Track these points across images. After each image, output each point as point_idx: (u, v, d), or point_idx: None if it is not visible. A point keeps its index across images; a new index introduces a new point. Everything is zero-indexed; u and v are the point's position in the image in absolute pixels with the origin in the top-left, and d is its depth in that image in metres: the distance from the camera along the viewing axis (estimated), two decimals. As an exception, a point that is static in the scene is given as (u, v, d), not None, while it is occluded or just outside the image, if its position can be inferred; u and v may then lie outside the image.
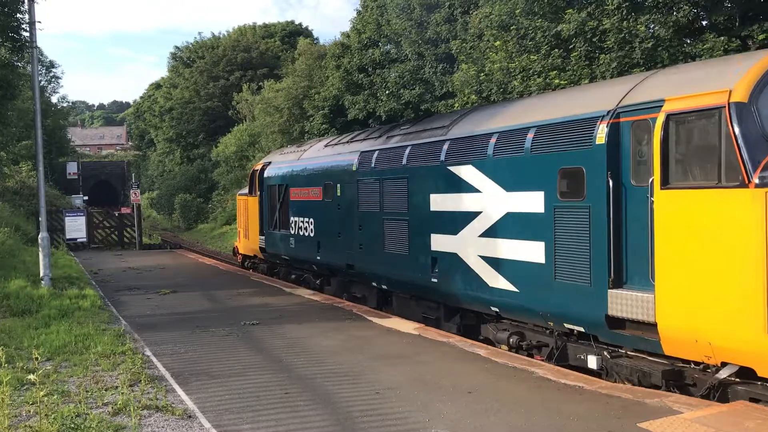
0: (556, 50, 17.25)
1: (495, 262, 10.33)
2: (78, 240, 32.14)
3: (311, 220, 17.13)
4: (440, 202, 11.75)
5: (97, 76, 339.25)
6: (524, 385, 8.09)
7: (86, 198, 53.30)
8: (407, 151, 12.91)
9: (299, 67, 40.75)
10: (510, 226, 10.01)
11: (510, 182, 10.04)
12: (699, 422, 6.24)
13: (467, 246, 10.98)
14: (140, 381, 8.45)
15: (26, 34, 17.75)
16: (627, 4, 15.63)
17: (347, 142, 16.40)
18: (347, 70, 33.05)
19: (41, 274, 16.77)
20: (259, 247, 20.93)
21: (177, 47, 75.86)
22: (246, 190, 22.99)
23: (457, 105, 22.79)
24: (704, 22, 16.22)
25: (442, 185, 11.69)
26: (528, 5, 18.11)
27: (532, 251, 9.50)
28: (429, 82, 28.50)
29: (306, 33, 63.41)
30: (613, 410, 7.01)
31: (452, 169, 11.43)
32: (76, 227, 32.20)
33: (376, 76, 31.42)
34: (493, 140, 10.49)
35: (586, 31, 16.39)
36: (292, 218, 18.39)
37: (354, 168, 14.84)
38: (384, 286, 14.00)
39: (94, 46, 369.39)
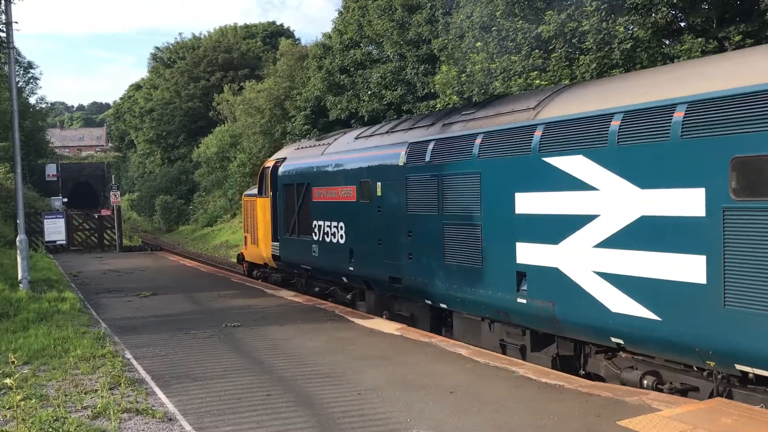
0: (537, 51, 17.38)
1: (621, 281, 7.96)
2: (57, 242, 31.82)
3: (341, 224, 14.41)
4: (531, 202, 9.31)
5: (77, 77, 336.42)
6: (506, 384, 8.13)
7: (65, 200, 52.79)
8: (479, 139, 10.36)
9: (281, 67, 40.73)
10: (646, 233, 7.66)
11: (646, 177, 7.67)
12: (677, 419, 6.31)
13: (576, 259, 8.59)
14: (120, 384, 8.39)
15: (3, 34, 17.56)
16: (606, 5, 15.79)
17: (387, 132, 13.71)
18: (329, 71, 33.04)
19: (19, 277, 16.58)
20: (272, 255, 18.19)
21: (157, 48, 75.44)
22: (254, 191, 20.36)
23: (439, 106, 22.89)
24: (682, 24, 16.42)
25: (534, 181, 9.22)
26: (508, 7, 18.22)
27: (685, 267, 7.17)
28: (411, 83, 28.57)
29: (288, 34, 63.34)
30: (593, 408, 7.06)
31: (550, 160, 8.96)
32: (55, 229, 31.88)
33: (358, 77, 31.44)
34: (615, 122, 8.15)
35: (566, 33, 16.53)
36: (315, 222, 15.56)
37: (401, 163, 12.30)
38: (442, 305, 11.49)
39: (74, 47, 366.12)
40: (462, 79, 20.04)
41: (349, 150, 14.72)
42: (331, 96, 32.97)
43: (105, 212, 34.63)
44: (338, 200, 14.63)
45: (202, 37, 65.35)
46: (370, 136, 14.35)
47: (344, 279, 14.87)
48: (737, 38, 14.45)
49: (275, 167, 18.29)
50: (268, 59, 52.36)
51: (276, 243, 17.89)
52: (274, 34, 62.02)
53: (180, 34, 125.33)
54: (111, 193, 35.29)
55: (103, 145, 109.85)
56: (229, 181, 45.78)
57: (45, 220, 31.90)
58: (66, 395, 7.99)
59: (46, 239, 31.47)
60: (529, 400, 7.46)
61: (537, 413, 6.99)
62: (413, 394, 7.82)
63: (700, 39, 14.73)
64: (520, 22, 17.98)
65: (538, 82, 16.42)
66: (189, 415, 7.28)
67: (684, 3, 15.28)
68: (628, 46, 15.22)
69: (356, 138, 14.96)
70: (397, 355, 9.82)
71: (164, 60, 67.89)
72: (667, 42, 15.96)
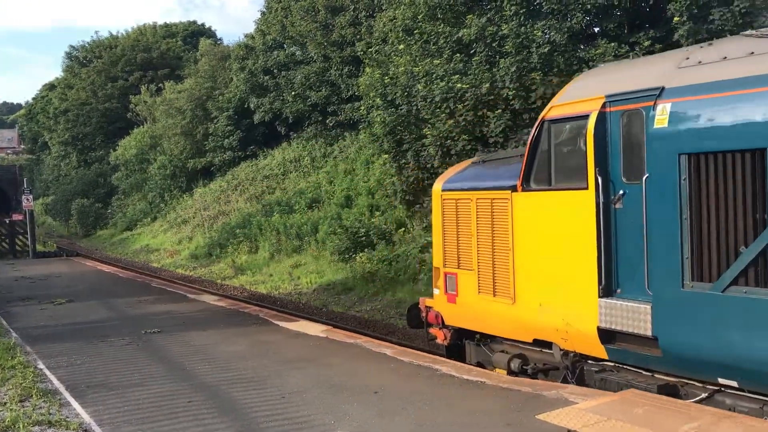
0: (458, 55, 17.65)
1: None
2: (-36, 249, 30.23)
3: None
4: None
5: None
6: (429, 383, 8.22)
7: (-27, 205, 50.16)
8: None
9: (202, 67, 40.03)
10: None
11: None
12: (592, 411, 6.52)
13: None
14: (32, 396, 8.04)
15: None
16: (524, 10, 16.21)
17: None
18: (252, 72, 32.70)
19: None
20: (600, 330, 7.49)
21: (72, 46, 72.55)
22: (476, 179, 9.66)
23: (363, 108, 22.97)
24: (596, 29, 17.05)
25: None
26: (430, 11, 18.44)
27: None
28: (335, 84, 28.56)
29: (209, 33, 62.16)
30: (513, 403, 7.23)
31: None
32: (-39, 236, 30.28)
33: (281, 78, 31.21)
34: None
35: (486, 36, 16.87)
36: None
37: None
38: None
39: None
40: (386, 81, 20.13)
41: None
42: (254, 97, 32.61)
43: (17, 217, 33.10)
44: None
45: (119, 36, 63.38)
46: None
47: None
48: (647, 43, 15.08)
49: (631, 114, 7.33)
50: (189, 59, 51.30)
51: (645, 305, 7.02)
52: (195, 34, 60.71)
53: (96, 32, 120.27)
54: (23, 197, 33.77)
55: (15, 147, 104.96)
56: (149, 184, 44.59)
57: (-50, 226, 30.26)
58: (-28, 410, 7.60)
59: (-48, 246, 29.85)
60: (452, 398, 7.56)
61: (459, 410, 7.09)
62: (338, 396, 7.80)
63: (613, 44, 15.31)
64: (442, 25, 18.23)
65: (459, 85, 16.66)
66: (105, 425, 7.04)
67: (597, 9, 15.86)
68: (546, 50, 15.65)
69: None
70: (322, 357, 9.79)
71: (80, 59, 65.46)
72: (582, 46, 16.50)
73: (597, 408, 6.60)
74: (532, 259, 8.33)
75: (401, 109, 18.92)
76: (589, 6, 15.52)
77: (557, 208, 8.01)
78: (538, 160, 8.32)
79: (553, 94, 15.36)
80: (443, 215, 9.95)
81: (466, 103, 16.34)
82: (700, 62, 6.96)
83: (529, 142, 8.42)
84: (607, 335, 7.47)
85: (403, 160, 19.18)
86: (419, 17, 18.80)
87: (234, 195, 34.21)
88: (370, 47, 23.25)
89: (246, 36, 36.91)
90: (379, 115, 19.63)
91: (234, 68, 34.98)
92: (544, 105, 15.50)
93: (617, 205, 7.36)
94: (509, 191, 8.65)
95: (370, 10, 25.92)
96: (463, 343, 9.94)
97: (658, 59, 8.08)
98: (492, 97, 16.02)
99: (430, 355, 9.91)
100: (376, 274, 19.19)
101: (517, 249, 8.52)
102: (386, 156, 20.92)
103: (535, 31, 15.82)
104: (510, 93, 15.62)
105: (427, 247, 18.46)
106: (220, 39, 58.78)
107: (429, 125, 17.66)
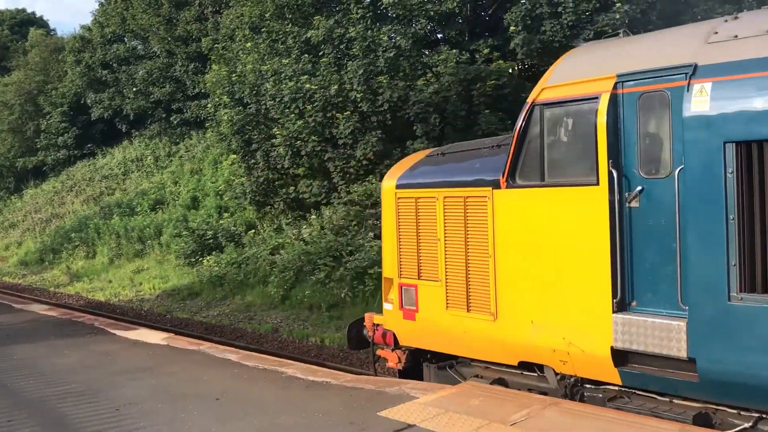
0: (307, 55, 17.61)
1: None
2: None
3: None
4: None
5: None
6: (273, 386, 8.09)
7: None
8: None
9: (33, 59, 37.27)
10: None
11: None
12: (432, 405, 6.71)
13: None
14: None
15: None
16: (370, 14, 16.48)
17: None
18: (89, 66, 30.88)
19: None
20: (614, 351, 6.24)
21: None
22: (452, 175, 7.99)
23: (210, 106, 22.34)
24: (439, 35, 17.68)
25: None
26: (278, 9, 18.28)
27: None
28: (180, 81, 27.60)
29: (40, 23, 57.86)
30: (357, 402, 7.27)
31: None
32: None
33: (121, 73, 29.71)
34: None
35: (334, 38, 16.97)
36: None
37: None
38: None
39: None
40: (233, 79, 19.69)
41: None
42: (91, 92, 30.80)
43: None
44: None
45: (-66, 20, 57.43)
46: None
47: None
48: (486, 51, 15.85)
49: (654, 96, 6.23)
50: (17, 50, 47.51)
51: (678, 322, 5.92)
52: (25, 23, 56.23)
53: None
54: None
55: None
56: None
57: None
58: None
59: None
60: (296, 400, 7.49)
61: (303, 412, 7.03)
62: (177, 404, 7.48)
63: (454, 50, 15.93)
64: (290, 25, 18.12)
65: (308, 86, 16.64)
66: None
67: (440, 16, 16.44)
68: (392, 54, 15.99)
69: None
70: (162, 366, 9.36)
71: None
72: (426, 52, 17.05)
73: (436, 401, 6.80)
74: (520, 268, 6.91)
75: (250, 108, 18.60)
76: (432, 13, 16.05)
77: (556, 208, 6.61)
78: (527, 152, 6.88)
79: (399, 98, 15.89)
80: (398, 217, 8.29)
81: (315, 104, 16.36)
82: (736, 36, 5.83)
83: (516, 130, 6.93)
84: (621, 357, 6.22)
85: (253, 160, 18.87)
86: (267, 15, 18.59)
87: (69, 196, 32.07)
88: (217, 44, 22.66)
89: (82, 28, 34.75)
90: (226, 114, 19.18)
91: (69, 61, 32.82)
92: (390, 108, 15.98)
93: (632, 204, 6.17)
94: (489, 188, 7.16)
95: (216, 5, 25.28)
96: (421, 366, 8.43)
97: (672, 33, 6.66)
98: (341, 98, 16.15)
99: (276, 359, 9.78)
100: (224, 278, 18.67)
101: (500, 256, 7.07)
102: (234, 156, 20.48)
103: (381, 36, 16.14)
104: (358, 95, 15.82)
105: (277, 248, 18.26)
106: (53, 30, 54.87)
107: (278, 125, 17.49)
